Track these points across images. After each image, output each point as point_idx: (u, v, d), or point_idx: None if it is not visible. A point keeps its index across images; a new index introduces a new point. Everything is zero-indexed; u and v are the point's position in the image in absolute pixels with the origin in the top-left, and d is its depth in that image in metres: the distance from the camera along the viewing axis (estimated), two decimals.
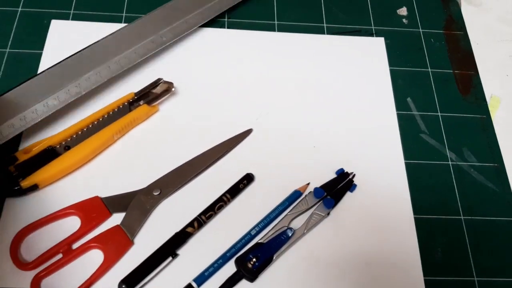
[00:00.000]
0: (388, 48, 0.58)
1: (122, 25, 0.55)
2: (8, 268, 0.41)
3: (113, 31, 0.52)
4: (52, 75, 0.49)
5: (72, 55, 0.50)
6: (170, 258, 0.43)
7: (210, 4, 0.56)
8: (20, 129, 0.46)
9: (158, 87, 0.50)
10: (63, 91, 0.48)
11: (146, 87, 0.50)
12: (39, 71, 0.52)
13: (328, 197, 0.47)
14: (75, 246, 0.43)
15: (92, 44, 0.51)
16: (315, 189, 0.47)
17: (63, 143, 0.46)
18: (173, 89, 0.50)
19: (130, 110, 0.49)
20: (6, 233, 0.43)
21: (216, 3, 0.57)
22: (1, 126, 0.45)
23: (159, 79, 0.50)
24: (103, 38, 0.52)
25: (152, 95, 0.50)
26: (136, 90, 0.50)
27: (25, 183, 0.43)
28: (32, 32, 0.55)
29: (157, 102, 0.50)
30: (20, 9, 0.56)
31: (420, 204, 0.48)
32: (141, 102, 0.49)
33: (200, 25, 0.56)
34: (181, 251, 0.43)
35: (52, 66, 0.49)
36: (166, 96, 0.50)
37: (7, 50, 0.53)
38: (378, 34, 0.59)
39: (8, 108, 0.46)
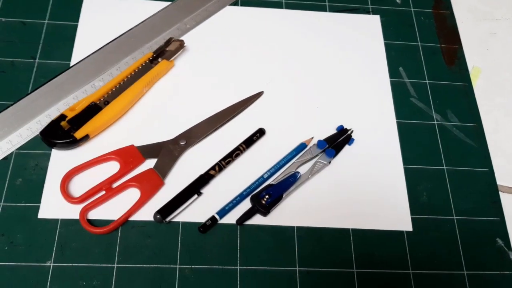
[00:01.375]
0: (383, 25, 0.65)
1: (148, 1, 0.63)
2: (60, 202, 0.49)
3: (143, 19, 0.61)
4: (94, 60, 0.57)
5: (111, 41, 0.59)
6: (196, 195, 0.50)
7: None
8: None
9: (171, 45, 0.58)
10: (107, 73, 0.57)
11: (161, 46, 0.58)
12: (76, 39, 0.59)
13: (330, 148, 0.54)
14: (115, 185, 0.50)
15: (127, 31, 0.60)
16: (319, 141, 0.54)
17: (102, 99, 0.53)
18: (184, 45, 0.58)
19: (152, 67, 0.56)
20: (58, 174, 0.50)
21: None
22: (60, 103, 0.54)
23: (170, 38, 0.58)
24: (136, 25, 0.60)
25: (167, 52, 0.58)
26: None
27: (78, 134, 0.50)
28: (68, 6, 0.61)
29: (173, 58, 0.58)
30: None
31: (409, 157, 0.56)
32: (159, 59, 0.57)
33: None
34: (204, 190, 0.51)
35: (95, 52, 0.58)
36: (179, 52, 0.58)
37: (46, 21, 0.60)
38: (374, 12, 0.66)
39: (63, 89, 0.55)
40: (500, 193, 0.55)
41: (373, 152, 0.56)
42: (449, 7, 0.68)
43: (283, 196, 0.51)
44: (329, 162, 0.54)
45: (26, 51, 0.58)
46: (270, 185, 0.51)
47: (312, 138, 0.55)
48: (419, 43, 0.64)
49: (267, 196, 0.50)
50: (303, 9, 0.65)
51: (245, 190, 0.51)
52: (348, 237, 0.50)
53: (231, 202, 0.50)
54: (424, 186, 0.54)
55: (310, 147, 0.54)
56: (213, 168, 0.51)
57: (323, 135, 0.55)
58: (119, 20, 0.61)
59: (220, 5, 0.64)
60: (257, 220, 0.50)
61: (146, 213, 0.49)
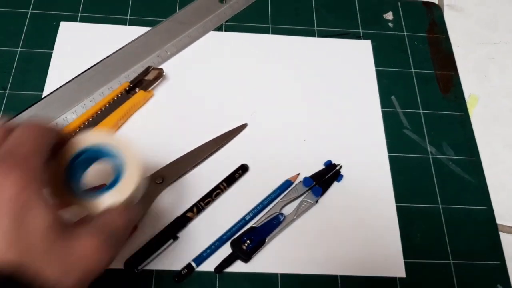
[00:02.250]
0: (375, 50, 0.62)
1: (126, 27, 0.59)
2: None
3: (122, 46, 0.58)
4: (68, 91, 0.54)
5: (86, 70, 0.55)
6: (171, 240, 0.46)
7: (210, 16, 0.61)
8: None
9: (149, 74, 0.54)
10: (80, 105, 0.53)
11: (139, 75, 0.55)
12: (50, 68, 0.56)
13: (317, 186, 0.51)
14: None
15: (104, 59, 0.56)
16: (305, 178, 0.51)
17: (73, 134, 0.50)
18: (164, 74, 0.55)
19: (128, 98, 0.53)
20: None
21: (216, 15, 0.61)
22: None
23: (149, 67, 0.55)
24: (114, 52, 0.57)
25: (145, 82, 0.54)
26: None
27: None
28: (42, 33, 0.58)
29: (151, 88, 0.55)
30: (30, 11, 0.60)
31: (402, 194, 0.52)
32: (137, 89, 0.54)
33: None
34: (181, 234, 0.47)
35: (68, 82, 0.55)
36: (158, 81, 0.55)
37: (19, 49, 0.57)
38: (365, 37, 0.63)
39: None
40: (500, 234, 0.51)
41: (364, 190, 0.52)
42: (444, 30, 0.65)
43: (266, 241, 0.47)
44: (316, 201, 0.50)
45: None
46: (252, 228, 0.48)
47: (299, 174, 0.52)
48: (413, 70, 0.61)
49: (248, 241, 0.46)
50: (290, 34, 0.62)
51: (225, 234, 0.47)
52: (336, 285, 0.47)
53: (209, 247, 0.46)
54: (418, 227, 0.51)
55: (296, 184, 0.51)
56: (190, 209, 0.48)
57: (310, 171, 0.52)
58: (96, 46, 0.58)
59: (203, 30, 0.61)
60: (238, 267, 0.47)
61: (116, 261, 0.45)
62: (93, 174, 0.39)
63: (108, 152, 0.36)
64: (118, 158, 0.36)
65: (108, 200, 0.34)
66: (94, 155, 0.37)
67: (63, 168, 0.35)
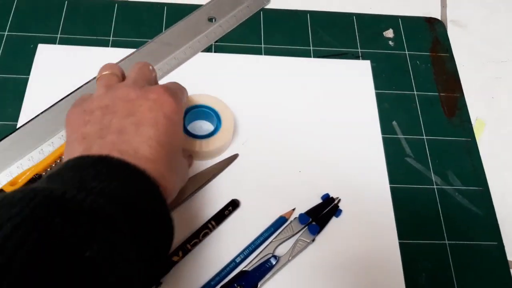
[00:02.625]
0: (374, 71, 0.58)
1: (109, 49, 0.56)
2: None
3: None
4: (44, 121, 0.51)
5: (64, 97, 0.52)
6: (154, 287, 0.42)
7: (199, 36, 0.57)
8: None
9: None
10: (57, 136, 0.50)
11: None
12: (25, 96, 0.52)
13: (313, 223, 0.47)
14: None
15: (84, 84, 0.53)
16: (300, 215, 0.47)
17: (49, 169, 0.46)
18: None
19: None
20: None
21: (205, 35, 0.57)
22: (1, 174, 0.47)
23: None
24: (94, 78, 0.53)
25: None
26: None
27: None
28: (19, 56, 0.55)
29: None
30: (6, 33, 0.56)
31: (405, 229, 0.49)
32: None
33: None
34: (165, 280, 0.43)
35: (45, 111, 0.51)
36: None
37: None
38: (364, 56, 0.59)
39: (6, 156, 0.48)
40: None
41: (364, 225, 0.48)
42: (448, 49, 0.61)
43: (258, 286, 0.43)
44: (313, 240, 0.46)
45: None
46: (243, 272, 0.44)
47: (294, 209, 0.48)
48: (415, 92, 0.57)
49: None
50: (285, 55, 0.58)
51: (213, 279, 0.44)
52: None
53: None
54: (422, 265, 0.47)
55: (291, 221, 0.47)
56: (175, 253, 0.44)
57: (306, 205, 0.48)
58: (76, 71, 0.54)
59: (191, 52, 0.57)
60: None
61: None
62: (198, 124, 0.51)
63: (212, 110, 0.50)
64: (218, 115, 0.50)
65: (209, 144, 0.48)
66: (202, 110, 0.50)
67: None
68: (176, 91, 0.39)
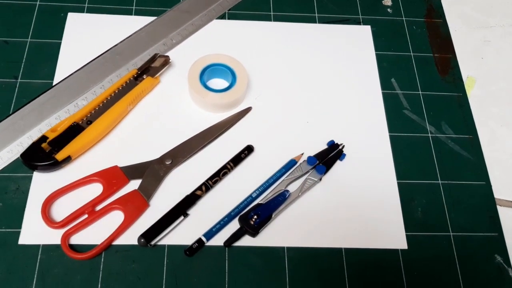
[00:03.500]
0: (374, 35, 0.63)
1: (132, 17, 0.61)
2: (41, 227, 0.47)
3: (128, 35, 0.60)
4: (78, 79, 0.56)
5: (95, 58, 0.57)
6: (182, 217, 0.48)
7: (214, 5, 0.63)
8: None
9: (156, 61, 0.56)
10: (90, 92, 0.55)
11: (146, 62, 0.57)
12: (59, 58, 0.57)
13: (320, 164, 0.52)
14: (98, 208, 0.48)
15: (112, 47, 0.58)
16: (309, 157, 0.52)
17: (85, 118, 0.52)
18: (170, 61, 0.57)
19: (136, 84, 0.55)
20: (39, 198, 0.48)
21: (219, 4, 0.63)
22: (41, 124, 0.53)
23: (156, 54, 0.57)
24: (121, 41, 0.59)
25: (152, 69, 0.56)
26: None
27: (59, 156, 0.49)
28: (51, 24, 0.60)
29: (158, 74, 0.56)
30: (38, 3, 0.62)
31: (403, 171, 0.54)
32: (144, 76, 0.55)
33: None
34: (191, 211, 0.49)
35: (78, 70, 0.57)
36: (165, 68, 0.57)
37: (28, 39, 0.59)
38: (365, 22, 0.64)
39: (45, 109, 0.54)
40: (498, 207, 0.53)
41: (366, 167, 0.54)
42: (441, 15, 0.67)
43: (272, 216, 0.49)
44: (320, 179, 0.52)
45: (8, 71, 0.56)
46: (258, 204, 0.49)
47: (302, 154, 0.54)
48: (412, 53, 0.63)
49: (255, 217, 0.48)
50: (292, 21, 0.64)
51: (233, 211, 0.49)
52: (341, 257, 0.49)
53: (218, 223, 0.48)
54: (419, 202, 0.53)
55: (300, 163, 0.53)
56: (199, 188, 0.50)
57: (314, 151, 0.54)
58: (103, 36, 0.60)
59: (207, 19, 0.62)
60: (246, 241, 0.48)
61: (130, 237, 0.47)
62: (216, 80, 0.58)
63: (228, 67, 0.56)
64: (233, 72, 0.55)
65: (225, 97, 0.54)
66: (219, 67, 0.56)
67: (198, 72, 0.55)
68: None
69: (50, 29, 0.60)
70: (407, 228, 0.51)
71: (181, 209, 0.49)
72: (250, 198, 0.50)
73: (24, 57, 0.58)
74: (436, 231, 0.51)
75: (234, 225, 0.49)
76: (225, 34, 0.62)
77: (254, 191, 0.50)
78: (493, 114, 0.60)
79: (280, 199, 0.50)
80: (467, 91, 0.61)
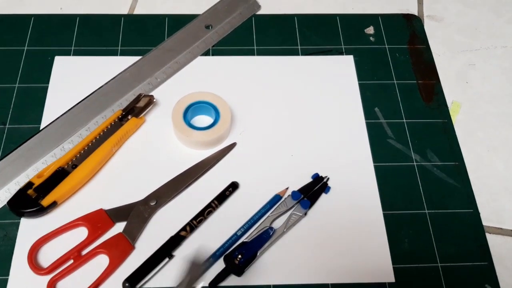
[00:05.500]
0: (357, 64, 0.64)
1: (117, 57, 0.62)
2: (27, 274, 0.47)
3: (114, 76, 0.61)
4: (64, 122, 0.57)
5: (81, 101, 0.58)
6: (167, 259, 0.48)
7: (198, 42, 0.64)
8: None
9: (140, 101, 0.57)
10: (76, 135, 0.56)
11: (131, 103, 0.57)
12: (46, 102, 0.58)
13: (305, 199, 0.52)
14: (84, 252, 0.49)
15: (97, 89, 0.59)
16: (293, 192, 0.53)
17: (70, 162, 0.53)
18: (154, 100, 0.58)
19: (121, 125, 0.55)
20: (27, 244, 0.49)
21: (203, 41, 0.64)
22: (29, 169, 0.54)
23: (140, 94, 0.58)
24: (106, 82, 0.60)
25: (137, 109, 0.57)
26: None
27: (45, 202, 0.50)
28: (38, 68, 0.61)
29: (142, 114, 0.57)
30: (26, 48, 0.63)
31: (389, 202, 0.54)
32: (129, 117, 0.56)
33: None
34: (176, 253, 0.49)
35: (64, 113, 0.57)
36: (149, 108, 0.58)
37: (16, 85, 0.60)
38: (347, 52, 0.65)
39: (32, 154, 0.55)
40: (487, 235, 0.53)
41: (351, 200, 0.54)
42: (425, 41, 0.67)
43: (258, 254, 0.49)
44: (305, 214, 0.52)
45: None
46: (243, 243, 0.50)
47: (287, 188, 0.54)
48: (395, 81, 0.63)
49: (240, 256, 0.48)
50: (275, 54, 0.64)
51: (217, 250, 0.49)
52: None
53: (203, 264, 0.48)
54: (405, 232, 0.52)
55: (285, 199, 0.53)
56: (184, 228, 0.50)
57: (299, 184, 0.54)
58: (90, 78, 0.61)
59: (191, 56, 0.63)
60: (232, 281, 0.48)
61: (116, 281, 0.47)
62: (200, 118, 0.58)
63: (211, 105, 0.56)
64: (216, 108, 0.56)
65: (209, 134, 0.54)
66: (202, 105, 0.56)
67: (181, 111, 0.55)
68: None
69: (37, 73, 0.61)
70: (394, 260, 0.50)
71: (166, 250, 0.49)
72: (235, 237, 0.50)
73: (12, 102, 0.59)
74: (424, 262, 0.51)
75: (219, 265, 0.49)
76: (209, 70, 0.62)
77: (239, 229, 0.51)
78: (479, 139, 0.60)
79: (265, 237, 0.50)
80: (452, 116, 0.61)
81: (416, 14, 0.70)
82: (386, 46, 0.66)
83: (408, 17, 0.69)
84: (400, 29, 0.68)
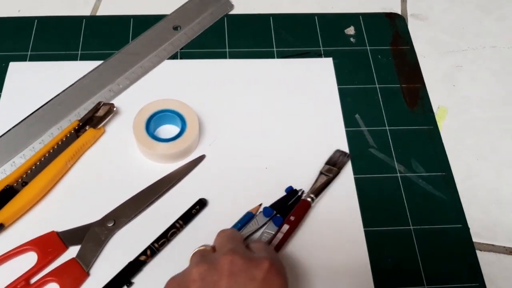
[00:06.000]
0: (336, 67, 0.60)
1: (77, 62, 0.58)
2: None
3: (72, 82, 0.56)
4: (16, 134, 0.52)
5: (35, 111, 0.54)
6: (125, 287, 0.44)
7: (165, 44, 0.59)
8: None
9: (100, 110, 0.52)
10: (29, 148, 0.51)
11: (88, 112, 0.53)
12: None
13: (278, 215, 0.48)
14: (32, 281, 0.44)
15: (53, 98, 0.55)
16: (264, 208, 0.48)
17: (20, 180, 0.48)
18: (114, 109, 0.53)
19: (77, 137, 0.51)
20: None
21: (170, 43, 0.59)
22: None
23: (100, 102, 0.53)
24: (64, 90, 0.55)
25: (95, 119, 0.52)
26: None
27: None
28: None
29: (101, 124, 0.52)
30: None
31: (370, 217, 0.50)
32: (87, 127, 0.51)
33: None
34: (136, 279, 0.45)
35: (16, 125, 0.53)
36: (109, 117, 0.53)
37: None
38: (326, 54, 0.61)
39: None
40: (478, 252, 0.49)
41: (329, 215, 0.50)
42: (408, 41, 0.63)
43: None
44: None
45: None
46: None
47: (261, 204, 0.49)
48: (377, 85, 0.59)
49: None
50: (249, 57, 0.60)
51: None
52: None
53: None
54: (388, 251, 0.48)
55: (257, 216, 0.48)
56: (144, 252, 0.45)
57: (273, 199, 0.49)
58: (46, 85, 0.56)
59: (157, 60, 0.59)
60: None
61: None
62: (164, 128, 0.54)
63: (177, 113, 0.52)
64: (183, 117, 0.51)
65: (175, 146, 0.50)
66: (167, 114, 0.52)
67: (143, 122, 0.50)
68: (280, 261, 0.40)
69: None
70: (377, 281, 0.46)
71: (124, 277, 0.44)
72: None
73: None
74: (409, 285, 0.46)
75: None
76: (176, 75, 0.58)
77: None
78: (468, 146, 0.56)
79: None
80: (438, 123, 0.57)
81: (399, 13, 0.66)
82: (368, 48, 0.62)
83: (390, 16, 0.65)
84: (382, 29, 0.64)
